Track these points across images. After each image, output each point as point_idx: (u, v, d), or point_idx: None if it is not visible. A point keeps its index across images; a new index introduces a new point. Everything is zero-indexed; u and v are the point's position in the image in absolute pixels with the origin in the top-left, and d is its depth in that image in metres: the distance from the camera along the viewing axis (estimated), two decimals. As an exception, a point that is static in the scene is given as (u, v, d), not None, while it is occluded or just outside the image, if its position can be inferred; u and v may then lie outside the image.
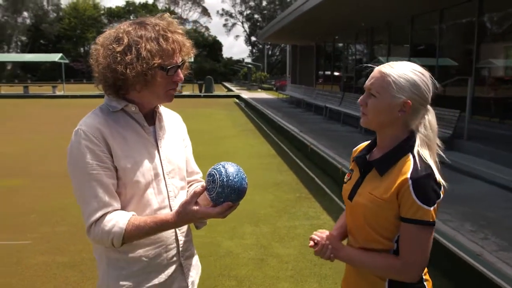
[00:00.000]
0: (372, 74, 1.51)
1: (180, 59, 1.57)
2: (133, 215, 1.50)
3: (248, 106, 22.90)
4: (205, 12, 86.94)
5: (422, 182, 1.39)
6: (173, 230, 1.63)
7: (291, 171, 8.11)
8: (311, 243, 1.60)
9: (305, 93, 21.41)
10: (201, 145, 10.34)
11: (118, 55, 1.46)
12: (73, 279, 3.81)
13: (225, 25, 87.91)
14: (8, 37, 70.90)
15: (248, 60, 73.84)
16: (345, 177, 1.68)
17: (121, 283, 1.56)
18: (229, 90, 40.64)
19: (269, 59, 71.51)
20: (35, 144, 11.01)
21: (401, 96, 1.45)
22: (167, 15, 1.60)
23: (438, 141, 1.53)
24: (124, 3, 76.89)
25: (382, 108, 1.47)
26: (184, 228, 1.69)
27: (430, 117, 1.51)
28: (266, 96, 31.49)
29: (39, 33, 70.60)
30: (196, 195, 1.45)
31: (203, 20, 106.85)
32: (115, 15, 74.74)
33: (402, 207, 1.41)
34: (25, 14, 74.93)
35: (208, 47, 75.27)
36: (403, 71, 1.47)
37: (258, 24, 77.57)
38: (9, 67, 67.13)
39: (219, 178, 1.42)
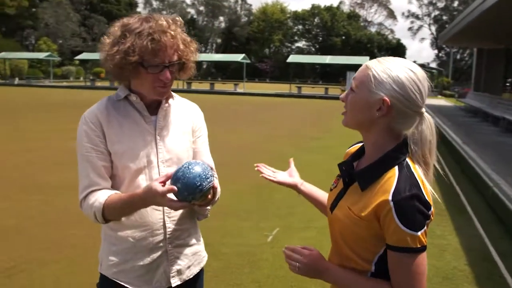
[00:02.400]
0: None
1: (175, 58, 1.59)
2: (115, 192, 1.60)
3: (419, 113, 21.59)
4: (391, 14, 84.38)
5: (406, 205, 1.20)
6: (161, 216, 1.67)
7: (435, 183, 7.40)
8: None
9: (484, 101, 19.26)
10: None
11: (108, 47, 1.57)
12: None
13: (410, 28, 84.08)
14: (205, 39, 79.26)
15: (433, 64, 69.55)
16: (332, 183, 1.50)
17: (110, 257, 1.69)
18: (406, 95, 38.79)
19: (456, 64, 66.23)
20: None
21: (379, 92, 1.26)
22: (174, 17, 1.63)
23: (434, 160, 1.34)
24: (310, 6, 79.03)
25: (360, 104, 1.30)
26: (176, 216, 1.71)
27: (424, 127, 1.30)
28: (444, 103, 29.30)
29: (232, 35, 77.62)
30: (165, 176, 1.48)
31: (388, 22, 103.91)
32: (300, 17, 77.56)
33: (385, 232, 1.24)
34: (221, 18, 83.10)
35: (391, 50, 72.99)
36: (389, 66, 1.27)
37: (446, 26, 72.38)
38: (204, 66, 75.14)
39: (178, 172, 1.45)
